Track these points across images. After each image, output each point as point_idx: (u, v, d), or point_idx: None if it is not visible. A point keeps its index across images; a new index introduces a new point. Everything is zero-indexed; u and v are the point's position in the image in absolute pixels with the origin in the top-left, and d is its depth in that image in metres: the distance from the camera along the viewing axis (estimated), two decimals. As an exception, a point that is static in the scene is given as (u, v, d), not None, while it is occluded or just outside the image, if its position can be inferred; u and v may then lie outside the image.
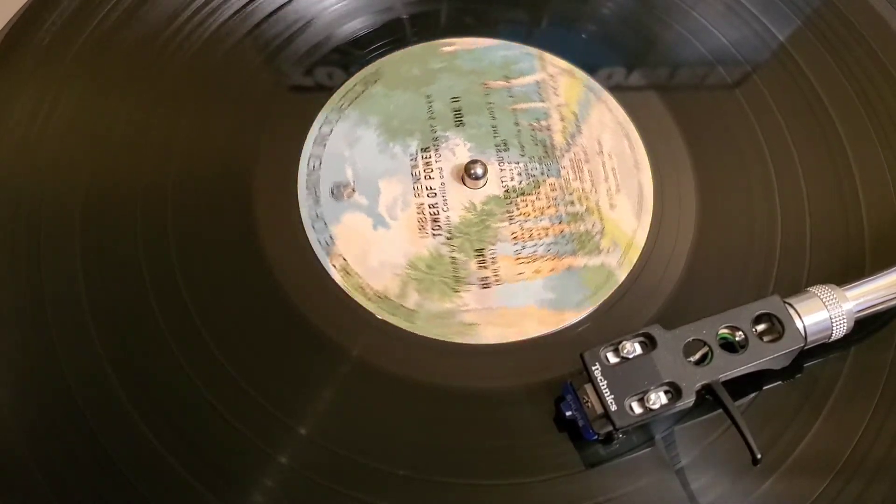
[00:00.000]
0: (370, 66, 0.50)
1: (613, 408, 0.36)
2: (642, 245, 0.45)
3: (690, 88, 0.50)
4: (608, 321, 0.42)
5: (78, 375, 0.40)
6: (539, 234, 0.45)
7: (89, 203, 0.44)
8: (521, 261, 0.44)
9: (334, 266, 0.44)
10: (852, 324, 0.39)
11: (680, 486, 0.38)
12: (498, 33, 0.51)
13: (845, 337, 0.39)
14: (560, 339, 0.42)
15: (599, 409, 0.36)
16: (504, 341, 0.42)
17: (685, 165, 0.47)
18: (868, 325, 0.41)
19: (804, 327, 0.38)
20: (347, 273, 0.43)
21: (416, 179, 0.46)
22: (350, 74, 0.49)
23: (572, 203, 0.46)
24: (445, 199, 0.46)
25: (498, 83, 0.49)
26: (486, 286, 0.43)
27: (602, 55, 0.51)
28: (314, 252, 0.44)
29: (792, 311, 0.38)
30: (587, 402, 0.37)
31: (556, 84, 0.49)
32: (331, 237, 0.44)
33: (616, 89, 0.49)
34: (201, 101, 0.48)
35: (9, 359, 0.40)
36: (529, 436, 0.39)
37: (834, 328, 0.38)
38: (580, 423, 0.38)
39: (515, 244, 0.44)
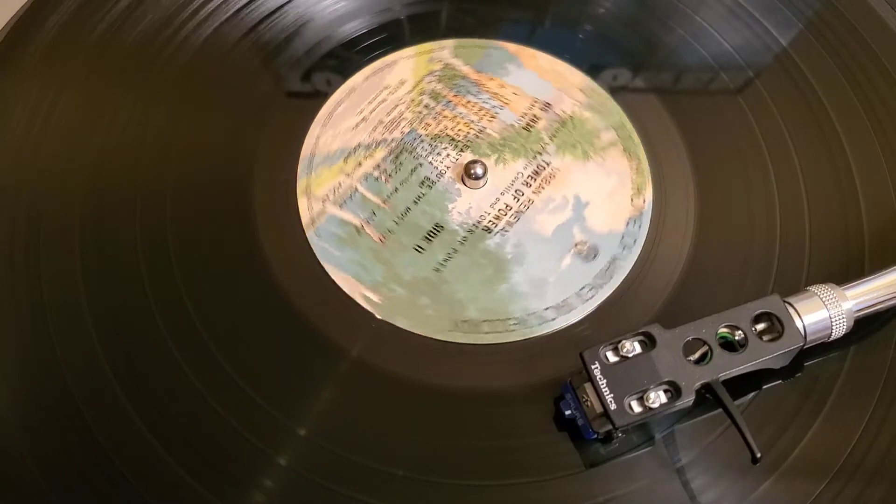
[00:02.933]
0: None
1: (613, 407, 0.36)
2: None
3: (692, 91, 0.50)
4: (608, 321, 0.42)
5: (78, 375, 0.40)
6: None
7: (89, 203, 0.44)
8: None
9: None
10: (852, 323, 0.39)
11: (680, 486, 0.38)
12: (498, 33, 0.51)
13: (845, 336, 0.39)
14: (560, 338, 0.42)
15: (599, 409, 0.36)
16: (505, 341, 0.42)
17: (686, 166, 0.47)
18: (868, 325, 0.41)
19: (804, 326, 0.38)
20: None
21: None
22: (350, 75, 0.49)
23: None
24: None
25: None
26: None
27: (604, 58, 0.51)
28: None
29: (791, 311, 0.38)
30: (587, 401, 0.37)
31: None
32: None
33: (618, 92, 0.49)
34: (201, 102, 0.48)
35: (9, 359, 0.40)
36: (529, 435, 0.39)
37: (833, 327, 0.38)
38: (580, 422, 0.38)
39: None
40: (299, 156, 0.47)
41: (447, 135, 0.47)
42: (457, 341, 0.42)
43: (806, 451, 0.39)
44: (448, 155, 0.47)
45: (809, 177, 0.46)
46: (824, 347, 0.40)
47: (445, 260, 0.44)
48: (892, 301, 0.40)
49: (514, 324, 0.42)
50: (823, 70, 0.50)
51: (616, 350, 0.37)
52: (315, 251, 0.44)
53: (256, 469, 0.38)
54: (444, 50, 0.50)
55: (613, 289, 0.43)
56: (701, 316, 0.38)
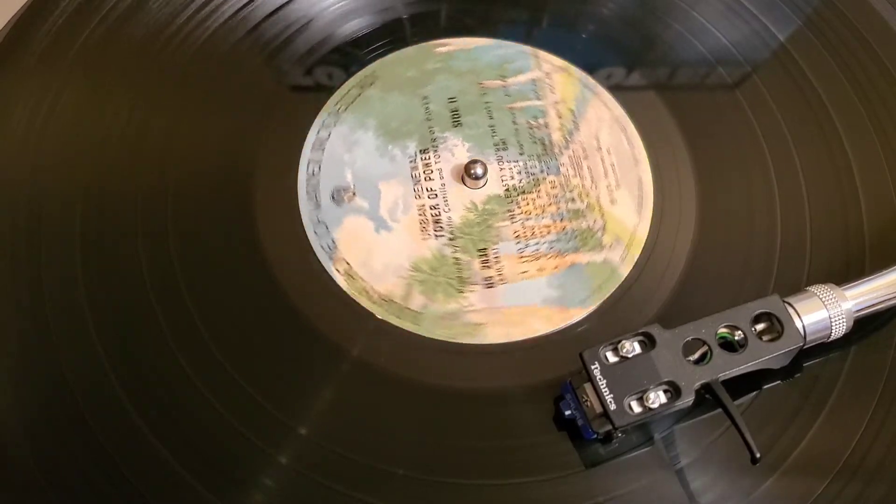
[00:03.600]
0: (366, 68, 0.50)
1: (613, 407, 0.36)
2: (645, 239, 0.45)
3: (690, 88, 0.50)
4: (608, 321, 0.42)
5: (78, 375, 0.40)
6: (541, 231, 0.45)
7: (89, 203, 0.44)
8: (525, 259, 0.44)
9: (338, 270, 0.44)
10: (851, 323, 0.39)
11: (680, 486, 0.38)
12: (498, 33, 0.51)
13: (845, 336, 0.39)
14: (560, 338, 0.42)
15: (599, 409, 0.36)
16: (507, 341, 0.42)
17: (685, 165, 0.47)
18: (868, 325, 0.41)
19: (803, 327, 0.38)
20: (351, 277, 0.43)
21: (417, 181, 0.46)
22: (350, 75, 0.49)
23: (573, 200, 0.46)
24: (446, 200, 0.46)
25: (494, 82, 0.49)
26: (490, 286, 0.43)
27: (602, 55, 0.51)
28: (317, 257, 0.44)
29: (791, 311, 0.38)
30: (586, 401, 0.37)
31: (552, 82, 0.50)
32: (333, 241, 0.44)
33: (616, 89, 0.49)
34: (201, 101, 0.48)
35: (9, 359, 0.40)
36: (529, 435, 0.39)
37: (833, 328, 0.38)
38: (579, 422, 0.38)
39: (518, 243, 0.44)
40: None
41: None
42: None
43: (806, 452, 0.39)
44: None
45: (809, 176, 0.46)
46: (824, 347, 0.40)
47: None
48: (892, 301, 0.40)
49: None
50: (822, 67, 0.50)
51: (616, 350, 0.37)
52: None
53: (256, 469, 0.38)
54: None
55: (614, 288, 0.43)
56: (701, 316, 0.38)
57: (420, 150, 0.47)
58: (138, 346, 0.41)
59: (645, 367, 0.37)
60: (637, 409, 0.36)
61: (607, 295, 0.43)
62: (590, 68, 0.50)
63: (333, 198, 0.46)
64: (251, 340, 0.41)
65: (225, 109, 0.48)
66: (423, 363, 0.41)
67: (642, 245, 0.45)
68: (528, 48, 0.51)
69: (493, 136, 0.48)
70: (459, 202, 0.46)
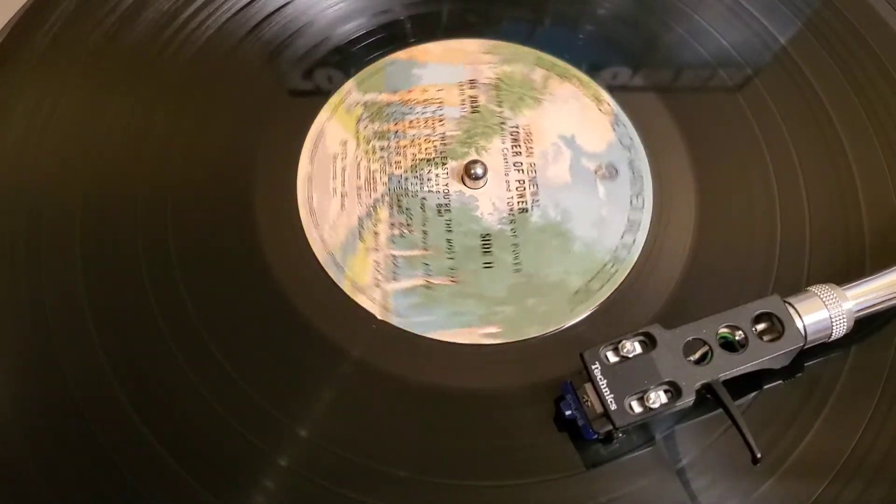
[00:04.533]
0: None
1: (613, 407, 0.36)
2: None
3: (691, 90, 0.50)
4: (608, 321, 0.42)
5: (78, 375, 0.40)
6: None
7: (89, 203, 0.44)
8: None
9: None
10: (852, 323, 0.39)
11: (680, 487, 0.38)
12: (498, 34, 0.51)
13: (846, 336, 0.39)
14: (560, 338, 0.42)
15: (599, 409, 0.36)
16: (470, 342, 0.42)
17: (686, 166, 0.47)
18: (868, 325, 0.41)
19: (804, 327, 0.38)
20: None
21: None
22: (350, 75, 0.49)
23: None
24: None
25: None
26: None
27: (603, 57, 0.51)
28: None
29: (792, 311, 0.38)
30: (587, 401, 0.37)
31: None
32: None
33: (617, 90, 0.50)
34: (201, 103, 0.48)
35: (9, 359, 0.40)
36: (529, 436, 0.39)
37: (834, 328, 0.38)
38: (580, 422, 0.38)
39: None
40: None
41: (420, 159, 0.47)
42: (582, 316, 0.43)
43: (807, 452, 0.39)
44: (437, 175, 0.47)
45: (809, 176, 0.46)
46: (825, 347, 0.40)
47: (516, 257, 0.44)
48: (893, 301, 0.40)
49: (612, 265, 0.44)
50: (823, 69, 0.50)
51: (616, 350, 0.37)
52: (409, 330, 0.42)
53: (257, 469, 0.38)
54: (350, 94, 0.49)
55: (614, 288, 0.43)
56: (701, 316, 0.38)
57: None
58: (138, 346, 0.41)
59: (645, 368, 0.37)
60: (638, 409, 0.36)
61: (607, 295, 0.43)
62: (591, 69, 0.50)
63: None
64: (250, 340, 0.41)
65: (224, 111, 0.48)
66: (423, 363, 0.41)
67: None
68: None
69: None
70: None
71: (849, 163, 0.47)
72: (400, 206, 0.45)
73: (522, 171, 0.46)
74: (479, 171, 0.45)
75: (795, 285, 0.42)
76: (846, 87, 0.49)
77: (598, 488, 0.38)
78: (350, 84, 0.49)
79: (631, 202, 0.46)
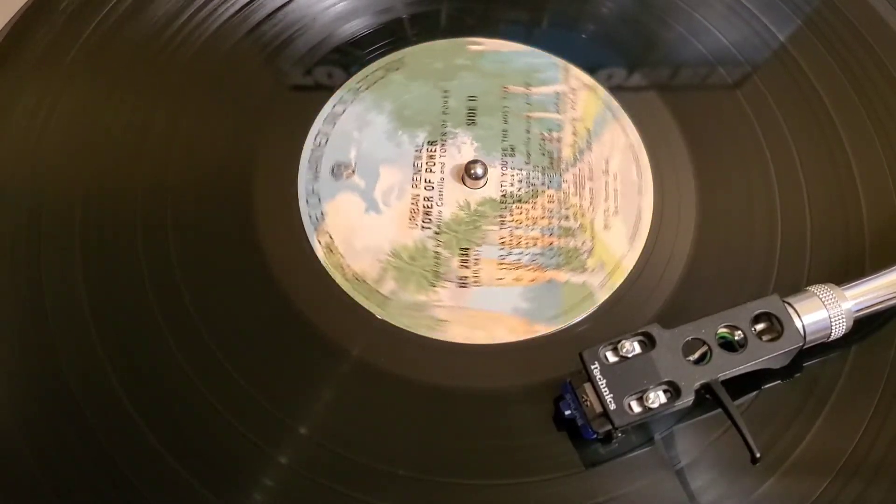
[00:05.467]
0: (396, 53, 0.50)
1: (612, 407, 0.36)
2: (629, 271, 0.44)
3: (691, 89, 0.50)
4: (608, 321, 0.42)
5: (78, 375, 0.40)
6: (527, 242, 0.45)
7: (89, 203, 0.44)
8: (504, 266, 0.44)
9: (319, 242, 0.44)
10: (851, 323, 0.39)
11: (680, 486, 0.38)
12: (499, 33, 0.51)
13: (845, 336, 0.39)
14: (559, 338, 0.42)
15: (598, 408, 0.36)
16: (466, 342, 0.42)
17: (685, 165, 0.47)
18: (868, 325, 0.41)
19: (803, 327, 0.38)
20: (330, 251, 0.44)
21: (417, 171, 0.46)
22: (350, 75, 0.49)
23: (567, 218, 0.45)
24: (441, 194, 0.46)
25: (518, 88, 0.49)
26: (463, 285, 0.43)
27: (602, 55, 0.51)
28: (303, 225, 0.44)
29: (791, 311, 0.38)
30: (586, 401, 0.37)
31: (576, 98, 0.49)
32: (322, 213, 0.45)
33: (616, 89, 0.49)
34: (201, 102, 0.48)
35: (9, 359, 0.40)
36: (529, 435, 0.39)
37: (833, 328, 0.38)
38: (579, 422, 0.38)
39: (502, 249, 0.44)
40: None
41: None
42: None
43: (806, 452, 0.39)
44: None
45: (809, 176, 0.46)
46: (824, 347, 0.40)
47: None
48: (893, 301, 0.40)
49: None
50: (822, 67, 0.50)
51: (615, 350, 0.37)
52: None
53: (257, 469, 0.38)
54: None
55: (614, 289, 0.43)
56: (701, 316, 0.38)
57: (428, 142, 0.47)
58: (138, 345, 0.41)
59: (645, 367, 0.37)
60: (637, 408, 0.36)
61: (577, 319, 0.43)
62: (590, 68, 0.50)
63: (333, 172, 0.46)
64: (250, 339, 0.41)
65: (225, 110, 0.48)
66: (422, 363, 0.41)
67: (625, 275, 0.44)
68: (559, 60, 0.50)
69: (503, 140, 0.48)
70: (453, 199, 0.46)
71: (849, 162, 0.47)
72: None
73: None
74: (480, 170, 0.45)
75: (795, 285, 0.42)
76: (846, 85, 0.49)
77: (598, 488, 0.38)
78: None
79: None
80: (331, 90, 0.49)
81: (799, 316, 0.38)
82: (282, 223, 0.45)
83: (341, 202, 0.45)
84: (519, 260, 0.44)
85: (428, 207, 0.45)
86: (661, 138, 0.48)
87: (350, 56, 0.50)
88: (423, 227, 0.45)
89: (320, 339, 0.41)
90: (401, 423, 0.39)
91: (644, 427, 0.39)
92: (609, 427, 0.36)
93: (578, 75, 0.50)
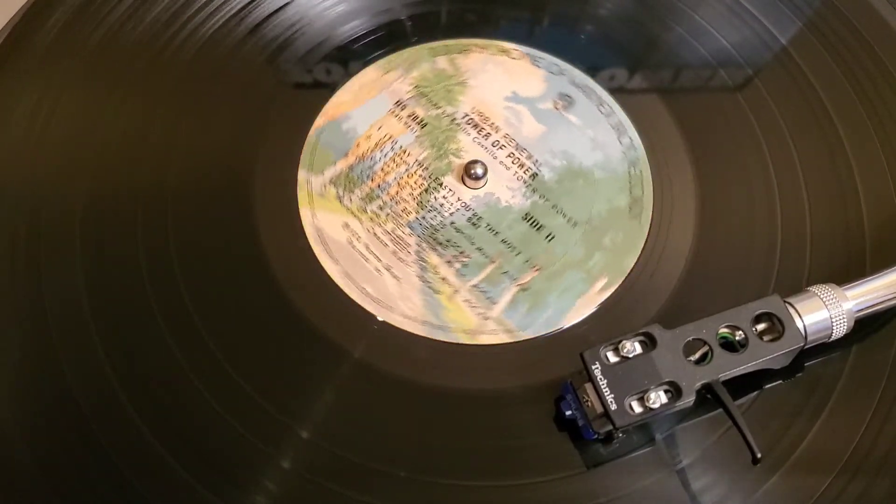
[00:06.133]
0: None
1: (613, 407, 0.36)
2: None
3: (692, 90, 0.50)
4: (608, 321, 0.42)
5: (78, 375, 0.40)
6: None
7: (90, 203, 0.44)
8: None
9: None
10: (852, 323, 0.39)
11: (681, 486, 0.38)
12: (499, 34, 0.51)
13: (846, 336, 0.39)
14: (560, 338, 0.42)
15: (599, 409, 0.36)
16: (470, 342, 0.42)
17: (686, 166, 0.47)
18: (869, 325, 0.41)
19: (804, 327, 0.38)
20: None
21: None
22: (350, 75, 0.49)
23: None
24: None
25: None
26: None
27: (603, 57, 0.51)
28: (302, 225, 0.45)
29: (792, 311, 0.38)
30: (587, 401, 0.37)
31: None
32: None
33: (618, 91, 0.49)
34: (201, 102, 0.48)
35: (9, 359, 0.40)
36: (529, 436, 0.39)
37: (834, 328, 0.38)
38: (580, 422, 0.38)
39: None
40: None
41: (419, 194, 0.46)
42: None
43: (807, 452, 0.39)
44: (444, 196, 0.46)
45: (810, 176, 0.46)
46: (825, 347, 0.40)
47: (563, 215, 0.46)
48: (893, 301, 0.40)
49: (635, 168, 0.47)
50: (823, 68, 0.50)
51: (616, 350, 0.37)
52: (549, 331, 0.43)
53: (257, 469, 0.38)
54: (310, 182, 0.47)
55: (614, 289, 0.43)
56: (701, 316, 0.38)
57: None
58: (138, 346, 0.41)
59: (646, 368, 0.37)
60: (638, 409, 0.36)
61: (607, 295, 0.43)
62: (591, 70, 0.50)
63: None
64: (250, 340, 0.41)
65: (224, 110, 0.48)
66: (422, 363, 0.41)
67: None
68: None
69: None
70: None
71: (849, 163, 0.47)
72: (440, 243, 0.45)
73: (503, 146, 0.47)
74: (479, 170, 0.45)
75: (795, 285, 0.42)
76: (846, 86, 0.49)
77: (599, 488, 0.38)
78: (302, 173, 0.46)
79: (600, 111, 0.48)
80: (331, 90, 0.49)
81: (800, 316, 0.38)
82: (282, 223, 0.45)
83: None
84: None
85: None
86: (661, 140, 0.48)
87: (349, 57, 0.50)
88: None
89: (320, 339, 0.41)
90: (401, 424, 0.39)
91: (645, 427, 0.39)
92: (610, 427, 0.36)
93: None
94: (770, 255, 0.44)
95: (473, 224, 0.45)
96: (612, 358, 0.37)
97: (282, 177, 0.46)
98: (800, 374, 0.40)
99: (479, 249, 0.44)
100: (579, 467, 0.38)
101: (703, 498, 0.38)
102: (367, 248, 0.44)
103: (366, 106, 0.49)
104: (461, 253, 0.44)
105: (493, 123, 0.48)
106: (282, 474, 0.38)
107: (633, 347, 0.37)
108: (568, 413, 0.38)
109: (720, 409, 0.37)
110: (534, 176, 0.46)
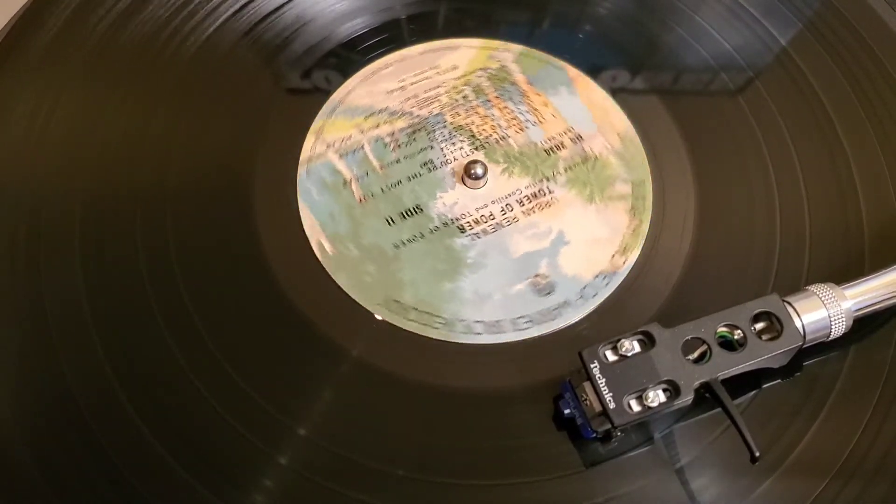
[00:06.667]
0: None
1: (612, 406, 0.36)
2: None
3: (692, 92, 0.50)
4: (607, 320, 0.42)
5: (78, 376, 0.40)
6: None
7: (90, 202, 0.44)
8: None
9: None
10: (851, 322, 0.39)
11: (679, 486, 0.38)
12: (499, 34, 0.51)
13: (845, 335, 0.39)
14: (559, 338, 0.42)
15: (598, 408, 0.36)
16: (469, 342, 0.42)
17: (686, 167, 0.47)
18: (868, 324, 0.41)
19: (803, 326, 0.38)
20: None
21: None
22: (349, 75, 0.49)
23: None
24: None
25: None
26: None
27: (604, 58, 0.51)
28: (302, 224, 0.45)
29: (791, 310, 0.38)
30: (586, 400, 0.37)
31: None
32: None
33: (618, 92, 0.50)
34: (201, 102, 0.48)
35: (9, 359, 0.40)
36: (529, 435, 0.39)
37: (832, 327, 0.38)
38: (579, 421, 0.38)
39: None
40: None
41: (470, 130, 0.48)
42: (380, 317, 0.42)
43: (806, 451, 0.39)
44: (461, 148, 0.47)
45: (809, 177, 0.46)
46: (824, 347, 0.40)
47: (409, 241, 0.44)
48: (892, 300, 0.40)
49: (440, 323, 0.42)
50: (823, 70, 0.50)
51: (615, 349, 0.37)
52: (298, 189, 0.46)
53: (256, 469, 0.38)
54: (507, 52, 0.50)
55: (614, 289, 0.43)
56: (701, 315, 0.38)
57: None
58: (138, 345, 0.41)
59: (644, 366, 0.37)
60: (636, 407, 0.36)
61: (607, 295, 0.43)
62: (592, 71, 0.50)
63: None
64: (250, 339, 0.41)
65: (224, 110, 0.48)
66: (422, 363, 0.41)
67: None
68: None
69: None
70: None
71: (848, 163, 0.47)
72: (412, 133, 0.48)
73: (504, 214, 0.46)
74: (479, 170, 0.45)
75: (795, 285, 0.42)
76: (847, 88, 0.49)
77: (597, 487, 0.38)
78: (517, 48, 0.51)
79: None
80: (328, 92, 0.49)
81: (798, 315, 0.38)
82: (282, 223, 0.45)
83: None
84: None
85: None
86: (661, 141, 0.48)
87: (349, 56, 0.50)
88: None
89: (320, 339, 0.41)
90: (400, 423, 0.39)
91: (643, 426, 0.39)
92: (608, 426, 0.36)
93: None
94: (769, 254, 0.44)
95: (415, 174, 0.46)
96: (611, 357, 0.37)
97: (282, 176, 0.46)
98: (798, 374, 0.40)
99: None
100: (578, 466, 0.38)
101: (702, 497, 0.38)
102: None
103: (580, 107, 0.49)
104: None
105: (533, 208, 0.46)
106: (281, 474, 0.38)
107: (631, 346, 0.37)
108: (566, 412, 0.38)
109: (719, 408, 0.37)
110: (460, 228, 0.45)
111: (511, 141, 0.48)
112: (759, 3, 0.52)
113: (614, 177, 0.47)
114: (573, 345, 0.40)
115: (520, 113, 0.49)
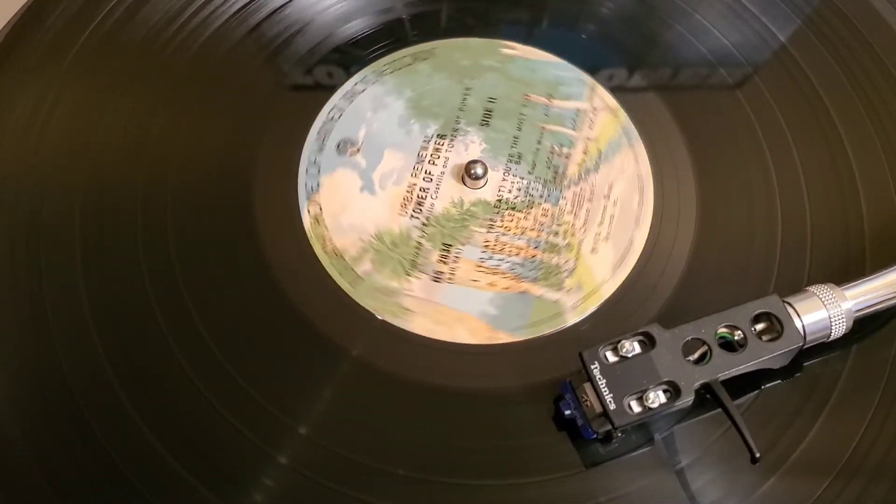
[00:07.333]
0: (427, 44, 0.51)
1: (612, 407, 0.36)
2: (604, 298, 0.43)
3: (691, 89, 0.50)
4: (608, 321, 0.42)
5: (78, 374, 0.40)
6: (511, 251, 0.45)
7: (90, 202, 0.44)
8: (482, 269, 0.44)
9: (308, 211, 0.45)
10: (851, 323, 0.39)
11: (680, 487, 0.38)
12: (500, 34, 0.51)
13: (845, 336, 0.39)
14: (559, 338, 0.42)
15: (598, 408, 0.36)
16: (426, 335, 0.42)
17: (686, 165, 0.47)
18: (868, 324, 0.41)
19: (803, 326, 0.38)
20: (317, 221, 0.44)
21: (420, 160, 0.47)
22: (350, 75, 0.49)
23: (556, 234, 0.45)
24: (438, 188, 0.46)
25: (540, 98, 0.49)
26: (437, 280, 0.43)
27: (603, 56, 0.51)
28: (297, 193, 0.45)
29: (791, 311, 0.38)
30: (586, 400, 0.37)
31: (595, 118, 0.49)
32: (318, 184, 0.45)
33: (617, 90, 0.49)
34: (201, 101, 0.48)
35: (9, 359, 0.40)
36: (529, 435, 0.39)
37: (833, 327, 0.38)
38: (579, 422, 0.38)
39: (483, 252, 0.44)
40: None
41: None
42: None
43: (807, 452, 0.39)
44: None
45: (809, 176, 0.46)
46: (824, 347, 0.40)
47: None
48: (893, 301, 0.40)
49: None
50: (823, 67, 0.50)
51: (615, 350, 0.37)
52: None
53: (256, 468, 0.38)
54: None
55: (614, 289, 0.43)
56: (701, 316, 0.38)
57: (438, 135, 0.48)
58: (138, 345, 0.41)
59: (644, 367, 0.37)
60: (637, 408, 0.36)
61: (541, 333, 0.42)
62: (591, 69, 0.50)
63: (339, 147, 0.47)
64: (250, 338, 0.41)
65: (226, 108, 0.48)
66: (422, 363, 0.41)
67: (600, 302, 0.43)
68: (588, 78, 0.50)
69: (512, 146, 0.48)
70: (448, 194, 0.46)
71: (849, 162, 0.47)
72: None
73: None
74: (480, 170, 0.45)
75: (795, 285, 0.41)
76: (846, 85, 0.49)
77: (598, 488, 0.38)
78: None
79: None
80: (331, 89, 0.49)
81: (799, 316, 0.38)
82: (282, 223, 0.45)
83: (339, 177, 0.46)
84: (498, 266, 0.44)
85: (422, 198, 0.46)
86: (661, 139, 0.48)
87: (349, 56, 0.50)
88: (412, 216, 0.45)
89: (320, 338, 0.41)
90: (400, 423, 0.39)
91: (644, 427, 0.39)
92: (609, 427, 0.36)
93: (603, 96, 0.49)
94: (769, 254, 0.44)
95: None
96: (611, 357, 0.37)
97: (283, 176, 0.46)
98: (799, 374, 0.40)
99: None
100: (578, 467, 0.38)
101: (702, 497, 0.38)
102: None
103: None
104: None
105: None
106: (281, 473, 0.38)
107: (632, 347, 0.37)
108: (567, 413, 0.38)
109: (719, 409, 0.37)
110: None
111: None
112: (758, 0, 0.52)
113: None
114: (573, 345, 0.39)
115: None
